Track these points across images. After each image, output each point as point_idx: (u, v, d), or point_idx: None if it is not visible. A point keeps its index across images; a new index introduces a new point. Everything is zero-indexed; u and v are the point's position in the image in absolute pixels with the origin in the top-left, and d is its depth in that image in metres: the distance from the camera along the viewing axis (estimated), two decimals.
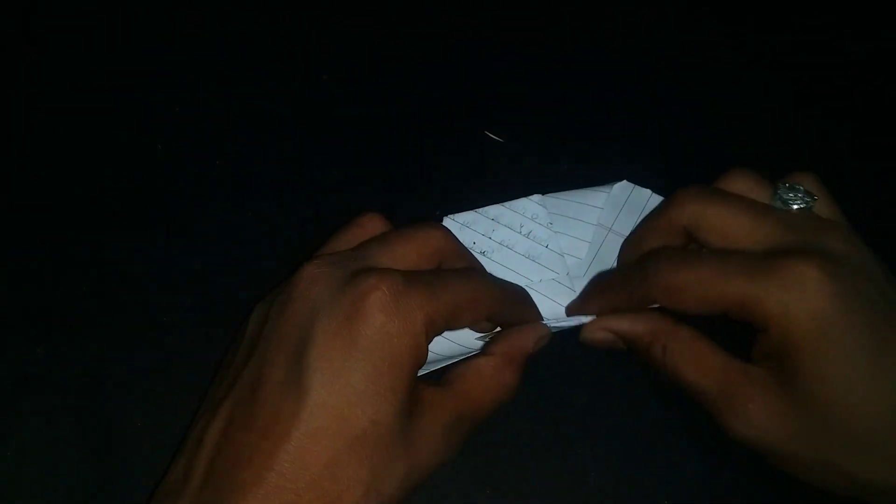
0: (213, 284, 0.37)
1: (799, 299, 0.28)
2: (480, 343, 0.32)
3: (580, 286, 0.35)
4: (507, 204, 0.36)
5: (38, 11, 0.42)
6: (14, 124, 0.40)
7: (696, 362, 0.31)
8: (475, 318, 0.29)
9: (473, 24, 0.43)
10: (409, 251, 0.29)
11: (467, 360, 0.31)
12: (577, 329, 0.35)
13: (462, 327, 0.29)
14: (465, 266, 0.31)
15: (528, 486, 0.34)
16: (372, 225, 0.31)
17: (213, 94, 0.41)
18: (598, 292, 0.34)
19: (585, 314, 0.34)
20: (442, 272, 0.30)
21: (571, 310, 0.35)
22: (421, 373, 0.29)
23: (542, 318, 0.34)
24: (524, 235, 0.35)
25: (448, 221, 0.36)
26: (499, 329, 0.33)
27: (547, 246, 0.35)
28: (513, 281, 0.34)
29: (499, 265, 0.35)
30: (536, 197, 0.36)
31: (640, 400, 0.35)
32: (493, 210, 0.36)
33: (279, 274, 0.37)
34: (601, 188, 0.36)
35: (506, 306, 0.31)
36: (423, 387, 0.28)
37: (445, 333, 0.31)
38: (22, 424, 0.34)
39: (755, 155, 0.41)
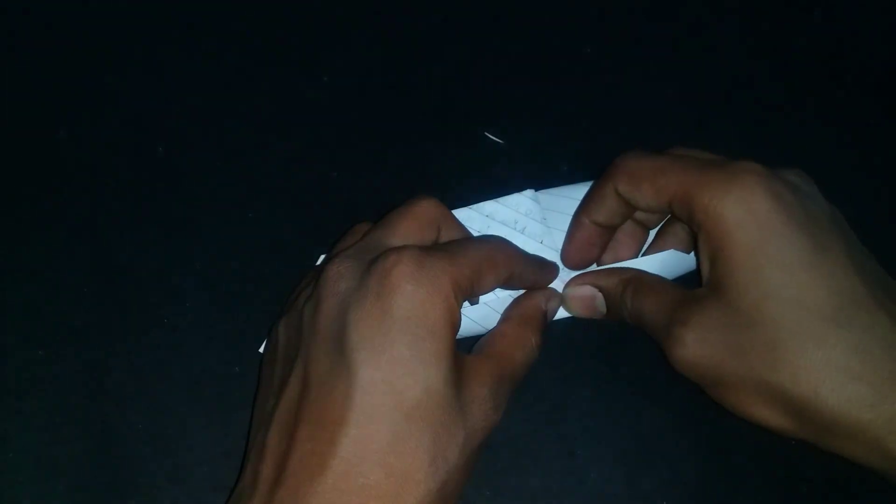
0: (214, 285, 0.37)
1: (737, 193, 0.28)
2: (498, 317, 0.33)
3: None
4: (500, 200, 0.36)
5: (38, 12, 0.42)
6: (15, 126, 0.40)
7: (653, 298, 0.31)
8: (498, 278, 0.30)
9: (473, 24, 0.43)
10: (410, 225, 0.30)
11: (490, 330, 0.32)
12: (575, 328, 0.36)
13: (489, 289, 0.30)
14: (461, 232, 0.33)
15: (528, 487, 0.34)
16: (365, 229, 0.33)
17: (214, 96, 0.41)
18: (577, 214, 0.35)
19: (574, 245, 0.35)
20: (458, 240, 0.31)
21: (566, 255, 0.35)
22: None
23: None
24: (519, 231, 0.35)
25: None
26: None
27: (542, 242, 0.35)
28: None
29: None
30: (529, 192, 0.36)
31: (640, 400, 0.35)
32: (488, 206, 0.36)
33: (279, 273, 0.37)
34: (594, 183, 0.36)
35: (524, 264, 0.32)
36: (461, 356, 0.28)
37: (469, 313, 0.32)
38: (23, 425, 0.34)
39: (756, 155, 0.41)
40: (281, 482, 0.26)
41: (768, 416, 0.28)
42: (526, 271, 0.32)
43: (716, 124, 0.41)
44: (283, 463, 0.26)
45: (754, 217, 0.28)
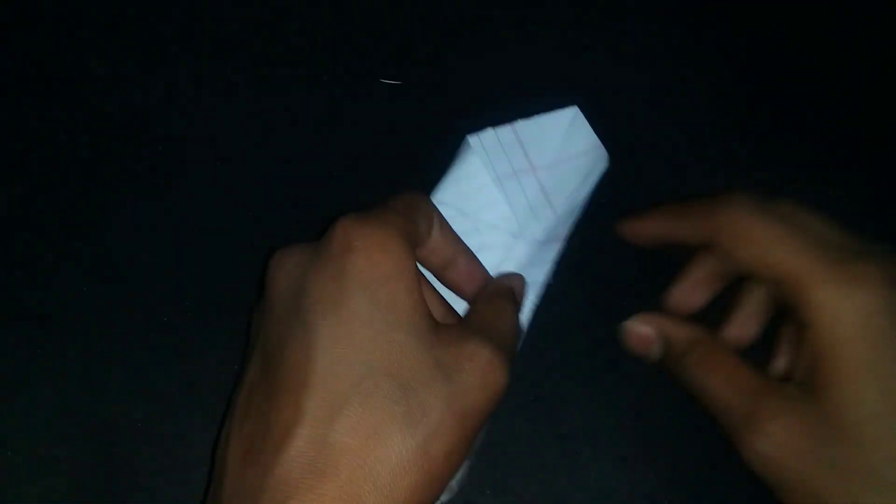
0: (213, 284, 0.37)
1: (859, 301, 0.26)
2: None
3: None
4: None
5: (37, 12, 0.42)
6: (15, 126, 0.40)
7: (727, 375, 0.29)
8: (429, 220, 0.30)
9: (474, 24, 0.43)
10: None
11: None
12: (575, 328, 0.35)
13: (427, 233, 0.30)
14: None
15: (528, 486, 0.34)
16: None
17: (214, 95, 0.41)
18: (659, 213, 0.33)
19: (639, 228, 0.34)
20: (384, 202, 0.30)
21: (626, 227, 0.34)
22: None
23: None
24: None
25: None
26: None
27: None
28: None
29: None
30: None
31: (640, 400, 0.35)
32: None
33: None
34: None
35: (441, 217, 0.31)
36: (436, 321, 0.27)
37: None
38: (23, 424, 0.34)
39: (756, 156, 0.41)
40: (249, 460, 0.25)
41: None
42: (454, 242, 0.31)
43: (717, 125, 0.41)
44: (251, 440, 0.25)
45: (872, 331, 0.26)
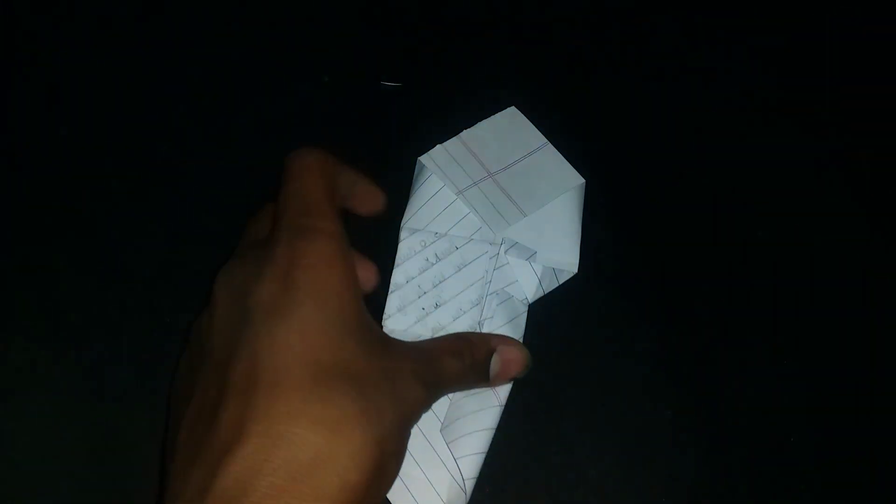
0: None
1: None
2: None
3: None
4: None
5: (38, 12, 0.42)
6: (16, 125, 0.40)
7: None
8: (326, 178, 0.30)
9: (473, 23, 0.43)
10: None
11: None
12: (576, 332, 0.36)
13: (341, 186, 0.30)
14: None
15: (528, 485, 0.34)
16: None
17: (214, 95, 0.41)
18: None
19: None
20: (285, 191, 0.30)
21: None
22: None
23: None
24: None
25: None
26: None
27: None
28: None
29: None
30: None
31: (640, 400, 0.36)
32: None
33: None
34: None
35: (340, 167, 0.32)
36: (385, 335, 0.28)
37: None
38: (24, 425, 0.34)
39: (754, 159, 0.41)
40: (197, 461, 0.23)
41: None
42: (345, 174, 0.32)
43: (715, 127, 0.41)
44: (199, 446, 0.24)
45: None
